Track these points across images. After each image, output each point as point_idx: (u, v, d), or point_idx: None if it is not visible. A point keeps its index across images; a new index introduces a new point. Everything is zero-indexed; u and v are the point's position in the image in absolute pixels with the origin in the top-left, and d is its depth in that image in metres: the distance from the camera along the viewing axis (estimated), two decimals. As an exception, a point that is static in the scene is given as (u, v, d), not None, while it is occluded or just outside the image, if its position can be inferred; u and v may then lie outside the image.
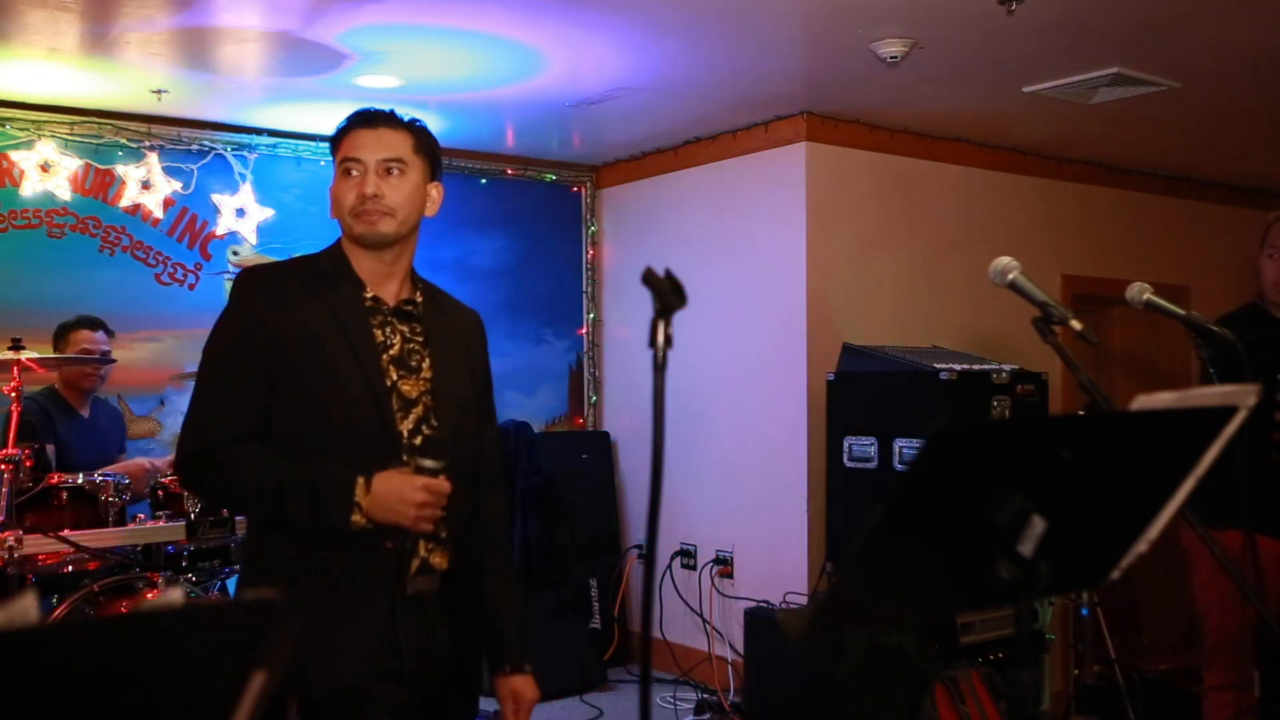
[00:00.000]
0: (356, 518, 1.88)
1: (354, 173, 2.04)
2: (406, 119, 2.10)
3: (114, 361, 4.25)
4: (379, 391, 1.98)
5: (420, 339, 2.08)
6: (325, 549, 1.93)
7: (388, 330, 2.05)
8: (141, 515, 3.73)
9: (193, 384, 2.07)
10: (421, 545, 2.00)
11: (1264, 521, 3.29)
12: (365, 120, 2.08)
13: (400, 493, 1.88)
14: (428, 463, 1.91)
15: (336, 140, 2.08)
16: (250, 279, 2.05)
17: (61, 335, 4.16)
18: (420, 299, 2.12)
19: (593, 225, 6.02)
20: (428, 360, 2.06)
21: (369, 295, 2.05)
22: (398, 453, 1.97)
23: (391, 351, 2.03)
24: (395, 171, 2.04)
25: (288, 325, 1.96)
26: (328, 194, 2.14)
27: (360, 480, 1.89)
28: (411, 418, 2.02)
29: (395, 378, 2.01)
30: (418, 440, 2.00)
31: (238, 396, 1.96)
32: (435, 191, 2.12)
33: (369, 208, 2.02)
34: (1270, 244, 3.49)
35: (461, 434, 2.05)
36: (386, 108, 2.12)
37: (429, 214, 2.12)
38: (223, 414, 1.96)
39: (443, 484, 1.92)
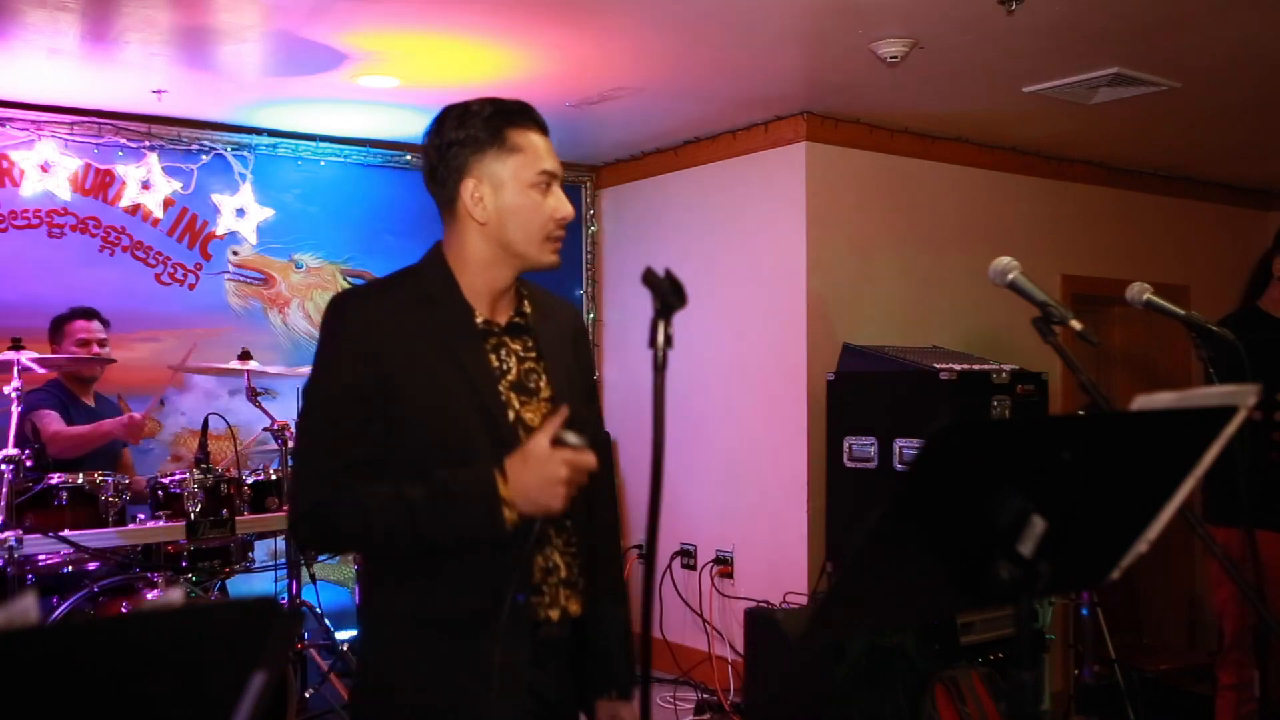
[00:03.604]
0: (509, 514, 1.69)
1: (550, 189, 1.83)
2: None
3: (113, 360, 4.25)
4: (501, 426, 1.78)
5: (534, 355, 1.88)
6: (453, 589, 1.75)
7: (502, 354, 1.85)
8: (141, 515, 3.73)
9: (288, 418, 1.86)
10: (561, 594, 1.83)
11: (1266, 519, 3.29)
12: (541, 123, 1.88)
13: (544, 473, 1.67)
14: (571, 437, 1.69)
15: (504, 137, 1.82)
16: (348, 305, 1.81)
17: (57, 328, 4.18)
18: (529, 309, 1.92)
19: (593, 225, 6.02)
20: (544, 378, 1.87)
21: (480, 319, 1.84)
22: None
23: (509, 377, 1.84)
24: None
25: (393, 358, 1.75)
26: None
27: (497, 473, 1.69)
28: None
29: (517, 406, 1.82)
30: None
31: (348, 444, 1.74)
32: None
33: (563, 234, 1.85)
34: None
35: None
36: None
37: None
38: (334, 464, 1.74)
39: (588, 458, 1.70)
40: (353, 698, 1.90)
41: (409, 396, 1.75)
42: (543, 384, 1.87)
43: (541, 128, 1.87)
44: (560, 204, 1.84)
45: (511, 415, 1.81)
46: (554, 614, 1.82)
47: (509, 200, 1.81)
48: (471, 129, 1.83)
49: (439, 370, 1.77)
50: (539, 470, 1.68)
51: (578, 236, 6.01)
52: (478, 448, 1.76)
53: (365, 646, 1.87)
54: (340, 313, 1.80)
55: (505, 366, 1.84)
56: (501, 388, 1.82)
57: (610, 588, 1.96)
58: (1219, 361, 2.25)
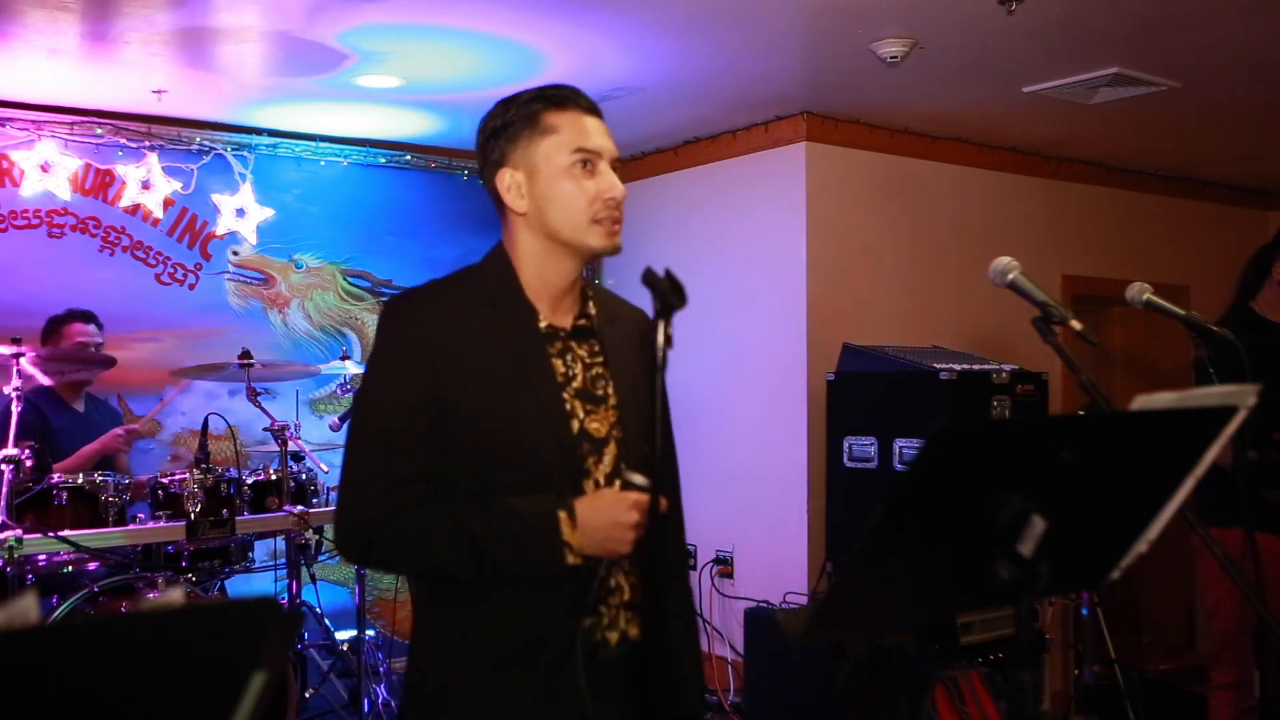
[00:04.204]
0: (570, 558, 1.62)
1: (591, 168, 1.71)
2: None
3: (113, 362, 4.24)
4: (565, 438, 1.70)
5: (601, 360, 1.79)
6: (513, 617, 1.68)
7: (568, 359, 1.75)
8: (141, 515, 3.73)
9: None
10: (621, 617, 1.74)
11: (1265, 520, 3.29)
12: (588, 105, 1.77)
13: (614, 518, 1.61)
14: (638, 479, 1.63)
15: (540, 120, 1.73)
16: (406, 309, 1.72)
17: (53, 329, 4.12)
18: (595, 311, 1.82)
19: (593, 225, 6.02)
20: (611, 385, 1.77)
21: (544, 323, 1.75)
22: None
23: (574, 385, 1.74)
24: (616, 172, 1.77)
25: (451, 364, 1.66)
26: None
27: (563, 515, 1.62)
28: (606, 461, 1.73)
29: (582, 415, 1.73)
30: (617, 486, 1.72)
31: (404, 456, 1.66)
32: None
33: (616, 216, 1.72)
34: None
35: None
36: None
37: None
38: (388, 478, 1.65)
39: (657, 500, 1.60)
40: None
41: (468, 406, 1.66)
42: (610, 390, 1.77)
43: (587, 108, 1.76)
44: (607, 182, 1.72)
45: (576, 425, 1.72)
46: (613, 636, 1.73)
47: (544, 185, 1.72)
48: (508, 117, 1.75)
49: (500, 377, 1.68)
50: (609, 514, 1.61)
51: (578, 236, 6.00)
52: (540, 459, 1.68)
53: (414, 670, 1.79)
54: (397, 317, 1.72)
55: (571, 373, 1.75)
56: (566, 395, 1.72)
57: (680, 613, 1.88)
58: (1219, 362, 2.25)
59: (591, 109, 1.77)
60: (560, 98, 1.75)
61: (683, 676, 1.83)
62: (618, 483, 1.68)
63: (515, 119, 1.74)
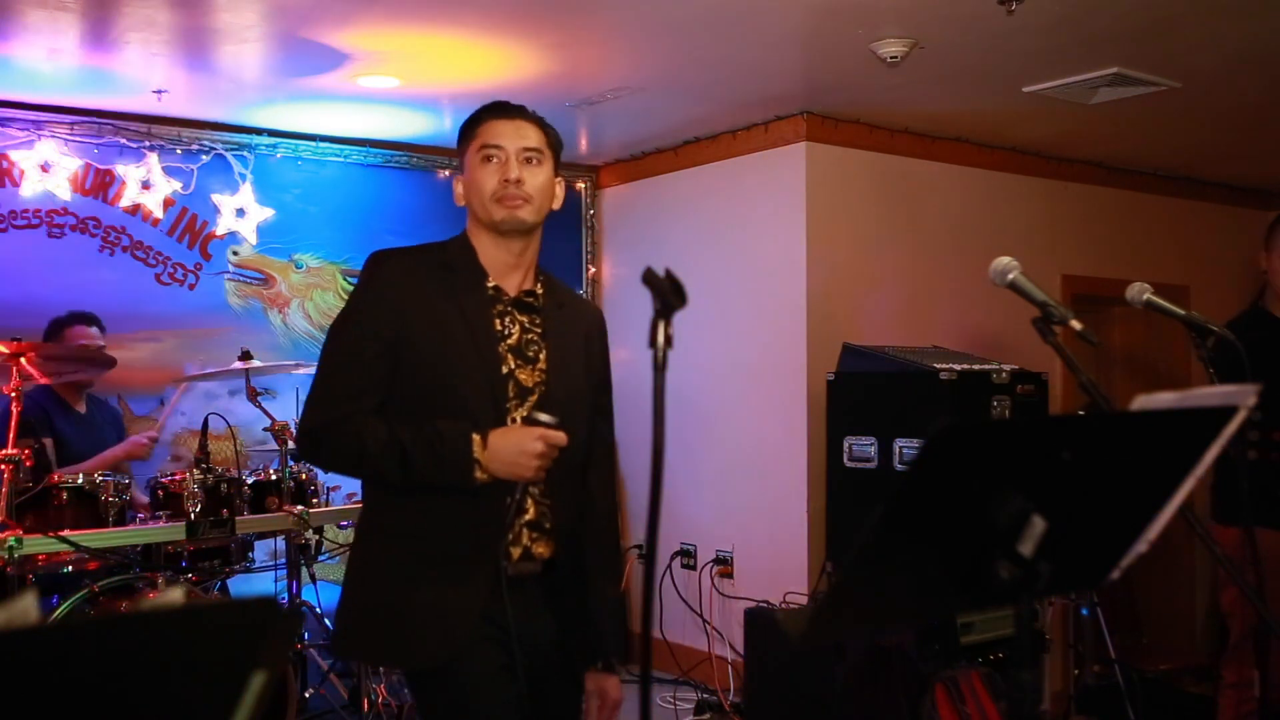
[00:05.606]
0: (479, 475, 1.93)
1: (495, 159, 2.08)
2: (534, 115, 2.17)
3: (114, 362, 4.23)
4: (494, 377, 2.03)
5: (539, 330, 2.12)
6: (437, 523, 2.00)
7: (507, 320, 2.09)
8: (141, 515, 3.72)
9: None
10: (525, 534, 2.05)
11: (1267, 518, 3.29)
12: (502, 111, 2.13)
13: (520, 445, 1.93)
14: (543, 416, 1.95)
15: (469, 131, 2.13)
16: (377, 262, 2.09)
17: (55, 331, 4.13)
18: (541, 291, 2.16)
19: (593, 225, 6.02)
20: (545, 351, 2.10)
21: (490, 285, 2.10)
22: None
23: (509, 341, 2.08)
24: (534, 161, 2.10)
25: (411, 308, 2.02)
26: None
27: (476, 437, 1.94)
28: (526, 406, 2.05)
29: (513, 365, 2.06)
30: None
31: (360, 375, 2.01)
32: (559, 187, 2.18)
33: (512, 193, 2.06)
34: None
35: (572, 424, 2.03)
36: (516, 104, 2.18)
37: (554, 207, 2.17)
38: (344, 391, 2.01)
39: (559, 435, 1.95)
40: (339, 606, 2.12)
41: (418, 344, 2.01)
42: (541, 355, 2.10)
43: (503, 115, 2.12)
44: (504, 167, 2.06)
45: (505, 369, 2.05)
46: (515, 551, 2.03)
47: (467, 180, 2.12)
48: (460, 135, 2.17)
49: (447, 322, 2.02)
50: (515, 441, 1.94)
51: (578, 236, 6.01)
52: (470, 392, 2.01)
53: (351, 555, 2.15)
54: (373, 267, 2.09)
55: (507, 331, 2.08)
56: (501, 349, 2.06)
57: (603, 569, 2.18)
58: (1219, 361, 2.25)
59: (508, 114, 2.12)
60: (486, 110, 2.14)
61: (600, 623, 2.13)
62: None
63: (460, 137, 2.17)
